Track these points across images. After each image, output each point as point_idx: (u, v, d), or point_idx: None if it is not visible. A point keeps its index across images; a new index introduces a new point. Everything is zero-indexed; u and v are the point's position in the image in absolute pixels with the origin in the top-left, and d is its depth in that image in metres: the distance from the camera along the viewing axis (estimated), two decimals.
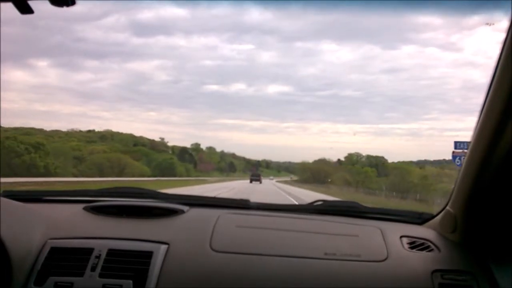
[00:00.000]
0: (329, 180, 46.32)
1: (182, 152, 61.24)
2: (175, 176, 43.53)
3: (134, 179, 29.30)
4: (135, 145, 51.04)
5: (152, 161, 46.60)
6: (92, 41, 78.01)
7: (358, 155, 57.17)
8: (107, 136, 50.76)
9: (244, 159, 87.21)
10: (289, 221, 1.41)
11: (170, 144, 62.64)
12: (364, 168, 48.27)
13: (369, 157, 55.16)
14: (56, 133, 46.40)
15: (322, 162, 55.55)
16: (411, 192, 27.41)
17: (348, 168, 50.28)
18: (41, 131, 44.28)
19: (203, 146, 73.78)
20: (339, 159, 55.17)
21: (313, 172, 53.20)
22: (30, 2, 0.87)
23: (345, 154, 59.46)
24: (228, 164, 76.32)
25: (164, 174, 42.78)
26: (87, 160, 37.60)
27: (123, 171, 37.00)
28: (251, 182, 36.19)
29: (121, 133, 54.65)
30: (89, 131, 54.09)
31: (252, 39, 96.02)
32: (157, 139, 61.71)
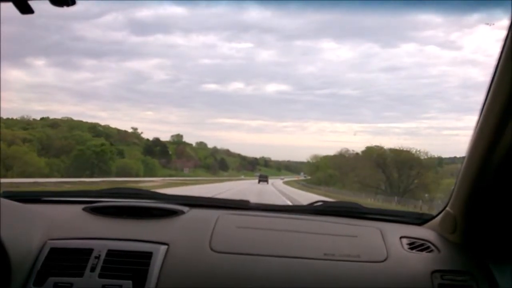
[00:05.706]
0: (413, 187, 35.61)
1: (153, 144, 58.31)
2: (109, 174, 36.15)
3: None
4: (97, 135, 47.46)
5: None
6: (90, 40, 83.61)
7: (379, 148, 54.95)
8: (59, 124, 50.09)
9: (239, 156, 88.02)
10: (289, 222, 1.69)
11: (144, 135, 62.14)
12: None
13: (392, 151, 53.01)
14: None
15: (342, 158, 47.92)
16: None
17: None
18: None
19: (193, 142, 74.29)
20: (357, 153, 53.24)
21: (367, 171, 39.46)
22: (30, 2, 1.06)
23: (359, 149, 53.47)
24: (218, 161, 76.03)
25: (93, 171, 36.35)
26: None
27: None
28: (259, 182, 46.17)
29: (80, 121, 54.33)
30: (42, 118, 53.86)
31: (251, 38, 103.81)
32: (129, 130, 61.54)
